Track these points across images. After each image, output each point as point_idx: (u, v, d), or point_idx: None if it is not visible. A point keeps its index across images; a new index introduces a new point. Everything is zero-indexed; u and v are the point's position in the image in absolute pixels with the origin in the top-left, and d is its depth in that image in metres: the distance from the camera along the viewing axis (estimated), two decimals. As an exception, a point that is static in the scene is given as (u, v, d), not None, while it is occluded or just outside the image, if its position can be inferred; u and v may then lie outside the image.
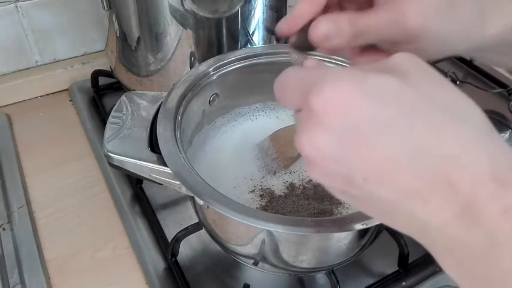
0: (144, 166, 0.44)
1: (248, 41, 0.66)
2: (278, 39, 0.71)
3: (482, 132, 0.23)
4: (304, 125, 0.26)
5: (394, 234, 0.52)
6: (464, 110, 0.24)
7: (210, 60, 0.53)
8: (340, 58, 0.52)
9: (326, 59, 0.52)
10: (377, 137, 0.23)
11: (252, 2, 0.62)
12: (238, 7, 0.61)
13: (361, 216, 0.37)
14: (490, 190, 0.22)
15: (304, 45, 0.33)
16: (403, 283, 0.52)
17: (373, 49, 0.36)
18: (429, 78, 0.25)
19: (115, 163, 0.45)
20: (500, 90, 0.80)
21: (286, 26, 0.33)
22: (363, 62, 0.36)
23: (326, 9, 0.33)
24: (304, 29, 0.33)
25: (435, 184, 0.23)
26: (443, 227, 0.23)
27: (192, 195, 0.40)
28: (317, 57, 0.34)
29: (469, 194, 0.22)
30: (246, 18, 0.64)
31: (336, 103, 0.24)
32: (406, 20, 0.30)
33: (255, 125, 0.58)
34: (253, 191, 0.50)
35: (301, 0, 0.32)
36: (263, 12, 0.65)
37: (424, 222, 0.24)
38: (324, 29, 0.31)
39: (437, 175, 0.23)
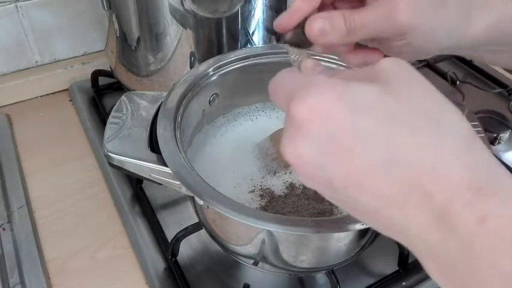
0: (144, 166, 0.44)
1: (248, 41, 0.66)
2: (278, 39, 0.71)
3: (462, 141, 0.24)
4: (287, 131, 0.27)
5: (394, 234, 0.52)
6: (445, 119, 0.24)
7: (210, 60, 0.53)
8: (334, 56, 0.53)
9: (321, 58, 0.52)
10: (355, 146, 0.24)
11: (252, 2, 0.62)
12: (238, 7, 0.61)
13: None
14: (466, 200, 0.22)
15: (300, 41, 0.34)
16: (403, 283, 0.52)
17: (365, 47, 0.37)
18: (413, 86, 0.25)
19: (115, 163, 0.45)
20: (500, 90, 0.80)
21: (284, 21, 0.34)
22: (354, 60, 0.37)
23: (321, 8, 0.34)
24: (300, 26, 0.34)
25: (411, 193, 0.23)
26: (421, 234, 0.23)
27: (192, 195, 0.40)
28: (312, 55, 0.35)
29: (444, 204, 0.22)
30: (246, 18, 0.64)
31: (315, 112, 0.25)
32: (398, 14, 0.32)
33: (255, 125, 0.58)
34: (253, 191, 0.50)
35: None
36: (263, 12, 0.65)
37: (404, 228, 0.24)
38: (320, 25, 0.32)
39: (412, 184, 0.23)
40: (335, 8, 0.36)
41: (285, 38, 0.35)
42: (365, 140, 0.24)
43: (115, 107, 0.49)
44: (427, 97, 0.25)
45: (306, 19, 0.33)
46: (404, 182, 0.23)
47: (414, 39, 0.33)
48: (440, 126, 0.24)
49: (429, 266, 0.25)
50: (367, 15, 0.32)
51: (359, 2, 0.35)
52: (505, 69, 0.62)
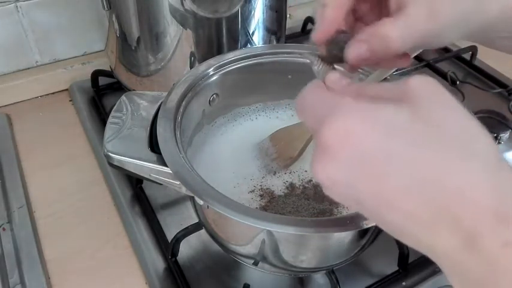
0: (144, 166, 0.44)
1: (248, 41, 0.66)
2: (278, 39, 0.71)
3: (490, 164, 0.24)
4: (318, 152, 0.27)
5: (394, 234, 0.52)
6: (473, 140, 0.25)
7: (210, 60, 0.53)
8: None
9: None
10: (385, 169, 0.25)
11: (252, 2, 0.62)
12: (238, 7, 0.61)
13: (361, 216, 0.37)
14: (491, 225, 0.23)
15: (333, 58, 0.35)
16: (403, 283, 0.52)
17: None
18: (442, 107, 0.26)
19: (115, 163, 0.45)
20: (500, 90, 0.80)
21: (319, 33, 0.34)
22: (386, 66, 0.37)
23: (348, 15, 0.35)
24: (333, 42, 0.34)
25: (439, 215, 0.24)
26: (447, 253, 0.24)
27: (192, 195, 0.40)
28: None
29: (471, 228, 0.23)
30: (246, 18, 0.64)
31: (344, 137, 0.26)
32: (439, 12, 0.31)
33: (255, 125, 0.58)
34: (253, 191, 0.50)
35: (327, 7, 0.33)
36: (263, 12, 0.65)
37: (430, 246, 0.25)
38: (360, 51, 0.33)
39: (441, 207, 0.23)
40: (356, 11, 0.36)
41: (319, 53, 0.36)
42: (395, 163, 0.24)
43: (115, 107, 0.49)
44: (456, 119, 0.25)
45: (337, 32, 0.34)
46: (432, 204, 0.24)
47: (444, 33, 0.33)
48: (469, 150, 0.24)
49: (454, 280, 0.25)
50: (407, 24, 0.32)
51: (377, 4, 0.35)
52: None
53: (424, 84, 0.26)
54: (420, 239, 0.25)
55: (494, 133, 0.69)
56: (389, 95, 0.27)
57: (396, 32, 0.32)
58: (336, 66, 0.35)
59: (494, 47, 0.40)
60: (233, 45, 0.65)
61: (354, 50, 0.33)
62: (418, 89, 0.26)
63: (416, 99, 0.26)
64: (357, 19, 0.37)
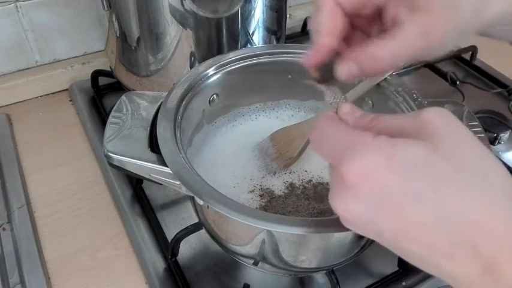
0: (144, 166, 0.44)
1: (248, 41, 0.66)
2: (278, 39, 0.71)
3: (506, 196, 0.25)
4: (336, 187, 0.28)
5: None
6: (491, 174, 0.26)
7: (210, 60, 0.53)
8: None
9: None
10: (406, 205, 0.26)
11: (252, 2, 0.62)
12: (238, 7, 0.61)
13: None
14: (510, 253, 0.24)
15: (328, 78, 0.36)
16: (403, 283, 0.52)
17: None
18: (458, 141, 0.27)
19: (115, 163, 0.45)
20: (500, 90, 0.80)
21: (311, 58, 0.35)
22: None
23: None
24: (326, 63, 0.35)
25: (459, 245, 0.25)
26: (467, 280, 0.25)
27: (192, 195, 0.40)
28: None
29: (490, 256, 0.24)
30: (246, 18, 0.64)
31: (365, 175, 0.26)
32: (438, 30, 0.32)
33: (255, 125, 0.58)
34: (253, 191, 0.50)
35: (321, 34, 0.34)
36: (263, 12, 0.65)
37: (450, 274, 0.26)
38: (349, 70, 0.34)
39: (462, 238, 0.25)
40: (353, 26, 0.37)
41: (313, 76, 0.36)
42: (416, 199, 0.25)
43: (115, 107, 0.49)
44: (472, 153, 0.26)
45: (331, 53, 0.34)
46: (453, 236, 0.25)
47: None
48: (486, 183, 0.25)
49: None
50: (401, 41, 0.32)
51: (375, 17, 0.35)
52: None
53: (439, 118, 0.27)
54: (441, 267, 0.26)
55: (494, 133, 0.69)
56: (404, 128, 0.28)
57: (386, 52, 0.32)
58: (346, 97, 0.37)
59: (488, 35, 0.40)
60: (233, 45, 0.65)
61: (345, 70, 0.34)
62: (434, 123, 0.27)
63: (433, 134, 0.26)
64: (354, 29, 0.37)
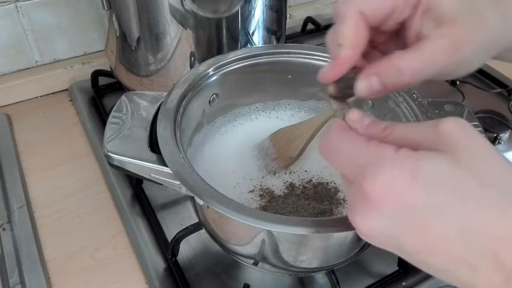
0: (144, 166, 0.44)
1: (248, 41, 0.66)
2: (278, 39, 0.71)
3: None
4: (357, 203, 0.28)
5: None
6: (510, 185, 0.26)
7: (210, 60, 0.53)
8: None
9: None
10: (430, 221, 0.26)
11: (252, 2, 0.62)
12: (238, 7, 0.61)
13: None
14: None
15: (344, 95, 0.34)
16: (403, 283, 0.52)
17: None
18: (478, 153, 0.26)
19: (115, 163, 0.45)
20: (500, 90, 0.80)
21: (331, 74, 0.33)
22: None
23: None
24: (342, 79, 0.33)
25: (483, 258, 0.25)
26: None
27: (192, 195, 0.40)
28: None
29: None
30: (246, 18, 0.64)
31: (389, 190, 0.26)
32: (462, 48, 0.31)
33: (255, 125, 0.58)
34: (253, 191, 0.50)
35: (343, 47, 0.31)
36: (263, 12, 0.65)
37: (472, 284, 0.26)
38: (371, 85, 0.32)
39: (485, 251, 0.25)
40: (372, 46, 0.35)
41: (329, 92, 0.34)
42: (440, 214, 0.25)
43: (115, 107, 0.49)
44: (492, 165, 0.26)
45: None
46: (476, 248, 0.25)
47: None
48: (508, 195, 0.25)
49: None
50: (427, 54, 0.31)
51: (395, 33, 0.34)
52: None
53: (458, 130, 0.27)
54: (461, 278, 0.26)
55: (494, 133, 0.69)
56: (421, 139, 0.28)
57: (410, 64, 0.31)
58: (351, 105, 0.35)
59: (502, 59, 0.39)
60: (233, 45, 0.65)
61: (365, 84, 0.32)
62: (453, 135, 0.27)
63: (453, 146, 0.26)
64: (372, 47, 0.36)
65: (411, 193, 0.26)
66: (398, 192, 0.26)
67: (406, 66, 0.31)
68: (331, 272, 0.48)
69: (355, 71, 0.33)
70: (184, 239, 0.53)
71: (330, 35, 0.33)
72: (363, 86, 0.32)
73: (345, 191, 0.31)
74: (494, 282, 0.25)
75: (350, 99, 0.35)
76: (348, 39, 0.31)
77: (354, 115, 0.31)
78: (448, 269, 0.26)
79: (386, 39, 0.35)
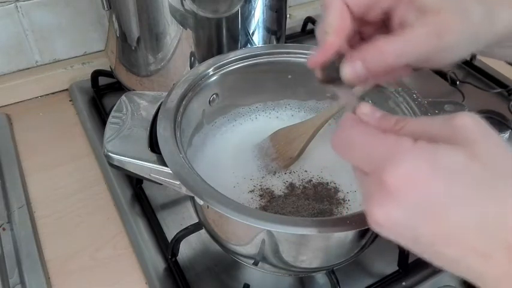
0: (144, 166, 0.44)
1: (248, 41, 0.66)
2: (278, 39, 0.71)
3: None
4: (375, 194, 0.28)
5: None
6: None
7: (210, 60, 0.53)
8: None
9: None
10: (447, 211, 0.26)
11: (252, 2, 0.62)
12: (238, 7, 0.61)
13: (360, 217, 0.37)
14: None
15: (333, 79, 0.35)
16: (403, 283, 0.52)
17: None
18: (492, 146, 0.27)
19: (115, 163, 0.45)
20: (500, 90, 0.80)
21: (317, 58, 0.35)
22: (386, 80, 0.38)
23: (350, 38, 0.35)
24: (330, 64, 0.35)
25: (497, 247, 0.26)
26: (501, 279, 0.26)
27: (192, 195, 0.40)
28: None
29: None
30: (246, 18, 0.64)
31: (410, 181, 0.26)
32: (448, 33, 0.32)
33: (255, 125, 0.58)
34: (253, 191, 0.50)
35: (328, 33, 0.34)
36: (263, 12, 0.65)
37: (483, 274, 0.27)
38: (355, 69, 0.33)
39: (499, 240, 0.25)
40: (361, 34, 0.37)
41: (318, 78, 0.36)
42: (457, 205, 0.26)
43: (115, 107, 0.49)
44: (506, 157, 0.27)
45: (336, 55, 0.34)
46: (491, 238, 0.26)
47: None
48: None
49: None
50: (409, 39, 0.32)
51: (382, 23, 0.35)
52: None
53: (472, 125, 0.28)
54: (473, 267, 0.26)
55: (494, 133, 0.69)
56: (435, 132, 0.28)
57: (393, 47, 0.32)
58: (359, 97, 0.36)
59: (492, 56, 0.40)
60: (233, 45, 0.65)
61: (349, 68, 0.33)
62: (468, 129, 0.27)
63: (469, 140, 0.27)
64: (361, 39, 0.37)
65: (431, 184, 0.26)
66: (418, 183, 0.26)
67: (388, 48, 0.32)
68: (331, 272, 0.48)
69: (342, 57, 0.34)
70: (184, 239, 0.53)
71: (318, 25, 0.35)
72: (347, 69, 0.34)
73: (359, 183, 0.31)
74: (504, 270, 0.25)
75: (357, 90, 0.36)
76: (332, 26, 0.34)
77: (365, 108, 0.32)
78: (460, 260, 0.27)
79: (374, 31, 0.37)
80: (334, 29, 0.34)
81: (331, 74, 0.35)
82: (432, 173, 0.26)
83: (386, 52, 0.32)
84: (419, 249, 0.28)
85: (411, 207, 0.27)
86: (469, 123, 0.28)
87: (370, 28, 0.37)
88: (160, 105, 0.48)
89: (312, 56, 0.35)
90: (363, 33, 0.37)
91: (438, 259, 0.28)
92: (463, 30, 0.33)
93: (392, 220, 0.28)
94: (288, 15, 0.86)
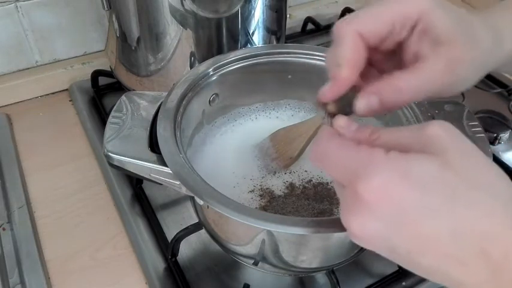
0: (144, 166, 0.44)
1: (248, 41, 0.66)
2: (278, 40, 0.71)
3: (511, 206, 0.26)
4: (351, 206, 0.28)
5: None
6: (495, 185, 0.27)
7: (210, 60, 0.53)
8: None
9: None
10: (422, 220, 0.26)
11: (252, 2, 0.62)
12: (238, 7, 0.61)
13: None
14: None
15: (343, 112, 0.35)
16: (403, 283, 0.52)
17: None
18: (464, 153, 0.27)
19: (115, 163, 0.45)
20: (500, 90, 0.80)
21: (331, 93, 0.34)
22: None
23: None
24: (342, 97, 0.34)
25: (472, 254, 0.26)
26: (478, 286, 0.26)
27: (192, 195, 0.40)
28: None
29: (499, 262, 0.25)
30: (246, 18, 0.64)
31: (383, 193, 0.27)
32: (461, 66, 0.32)
33: (255, 125, 0.58)
34: (253, 191, 0.50)
35: (342, 67, 0.33)
36: (263, 12, 0.65)
37: (461, 281, 0.27)
38: (371, 103, 0.33)
39: (474, 247, 0.26)
40: (372, 65, 0.36)
41: (327, 110, 0.35)
42: (431, 214, 0.26)
43: (115, 107, 0.49)
44: (478, 166, 0.27)
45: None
46: (465, 246, 0.26)
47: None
48: (493, 194, 0.26)
49: None
50: (425, 77, 0.32)
51: (393, 52, 0.35)
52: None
53: (444, 133, 0.28)
54: (452, 276, 0.27)
55: (494, 133, 0.69)
56: (408, 142, 0.28)
57: (410, 84, 0.32)
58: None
59: (496, 71, 0.40)
60: (233, 45, 0.65)
61: (365, 103, 0.33)
62: (439, 138, 0.28)
63: (441, 149, 0.27)
64: (369, 65, 0.36)
65: (404, 194, 0.26)
66: (391, 194, 0.26)
67: (405, 86, 0.32)
68: (331, 272, 0.49)
69: (354, 89, 0.34)
70: (184, 239, 0.53)
71: (329, 55, 0.34)
72: (362, 104, 0.33)
73: (338, 195, 0.31)
74: (482, 276, 0.26)
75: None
76: (346, 59, 0.33)
77: (341, 121, 0.33)
78: (437, 268, 0.27)
79: (384, 57, 0.36)
80: (348, 63, 0.33)
81: (343, 106, 0.34)
82: (404, 184, 0.26)
83: (403, 89, 0.32)
84: (397, 259, 0.29)
85: (385, 219, 0.27)
86: (440, 131, 0.28)
87: (379, 55, 0.36)
88: (160, 105, 0.48)
89: (325, 91, 0.34)
90: (372, 60, 0.36)
91: (417, 268, 0.28)
92: (473, 60, 0.33)
93: (367, 231, 0.28)
94: (288, 15, 0.86)
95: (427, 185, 0.26)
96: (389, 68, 0.35)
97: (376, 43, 0.34)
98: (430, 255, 0.27)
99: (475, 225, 0.26)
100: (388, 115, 0.50)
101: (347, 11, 0.93)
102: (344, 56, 0.33)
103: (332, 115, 0.35)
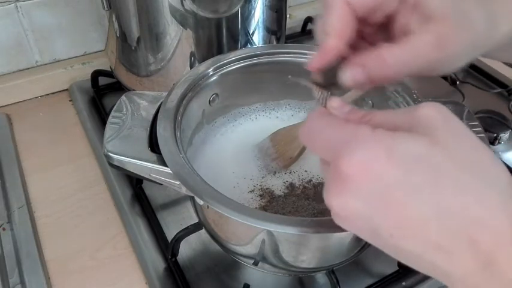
0: (144, 166, 0.44)
1: (248, 41, 0.66)
2: (278, 39, 0.71)
3: (505, 193, 0.25)
4: (333, 183, 0.27)
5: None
6: (488, 169, 0.25)
7: (210, 60, 0.53)
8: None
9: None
10: (405, 200, 0.25)
11: (252, 2, 0.62)
12: (238, 7, 0.61)
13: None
14: (508, 250, 0.24)
15: (329, 84, 0.34)
16: (403, 283, 0.52)
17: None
18: (456, 135, 0.26)
19: (115, 163, 0.45)
20: (500, 90, 0.80)
21: (318, 62, 0.33)
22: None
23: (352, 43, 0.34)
24: (330, 68, 0.33)
25: (459, 242, 0.24)
26: (465, 278, 0.25)
27: (192, 195, 0.40)
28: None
29: (489, 252, 0.24)
30: (246, 18, 0.64)
31: (365, 169, 0.25)
32: (450, 43, 0.31)
33: (255, 125, 0.58)
34: (253, 191, 0.50)
35: (329, 36, 0.32)
36: (263, 12, 0.65)
37: (448, 272, 0.25)
38: (356, 75, 0.32)
39: (461, 234, 0.24)
40: (359, 33, 0.35)
41: (313, 80, 0.35)
42: (415, 194, 0.25)
43: (115, 107, 0.49)
44: (469, 148, 0.26)
45: (336, 58, 0.33)
46: (452, 232, 0.24)
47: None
48: (485, 178, 0.25)
49: None
50: (412, 50, 0.31)
51: (383, 25, 0.35)
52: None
53: (435, 114, 0.27)
54: (438, 265, 0.25)
55: (494, 133, 0.69)
56: (399, 123, 0.27)
57: (396, 57, 0.31)
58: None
59: (489, 57, 0.40)
60: (233, 45, 0.65)
61: (350, 74, 0.32)
62: (430, 117, 0.27)
63: (430, 127, 0.26)
64: (360, 38, 0.36)
65: (387, 171, 0.25)
66: (374, 170, 0.25)
67: (391, 58, 0.31)
68: (331, 272, 0.49)
69: (341, 60, 0.33)
70: (184, 239, 0.53)
71: (318, 23, 0.34)
72: (347, 75, 0.32)
73: (323, 175, 0.30)
74: (470, 267, 0.24)
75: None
76: (334, 28, 0.32)
77: (334, 103, 0.32)
78: (422, 255, 0.26)
79: (374, 30, 0.36)
80: (335, 31, 0.32)
81: (330, 78, 0.34)
82: (388, 161, 0.25)
83: (388, 62, 0.31)
84: (379, 242, 0.28)
85: (366, 197, 0.26)
86: (433, 112, 0.27)
87: (370, 28, 0.36)
88: (160, 105, 0.48)
89: (311, 59, 0.34)
90: (362, 32, 0.36)
91: (399, 254, 0.27)
92: (464, 40, 0.32)
93: (348, 210, 0.27)
94: (288, 15, 0.86)
95: (411, 163, 0.25)
96: (380, 42, 0.34)
97: (366, 14, 0.34)
98: (413, 239, 0.25)
99: (463, 208, 0.24)
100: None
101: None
102: (331, 25, 0.32)
103: (318, 85, 0.35)
